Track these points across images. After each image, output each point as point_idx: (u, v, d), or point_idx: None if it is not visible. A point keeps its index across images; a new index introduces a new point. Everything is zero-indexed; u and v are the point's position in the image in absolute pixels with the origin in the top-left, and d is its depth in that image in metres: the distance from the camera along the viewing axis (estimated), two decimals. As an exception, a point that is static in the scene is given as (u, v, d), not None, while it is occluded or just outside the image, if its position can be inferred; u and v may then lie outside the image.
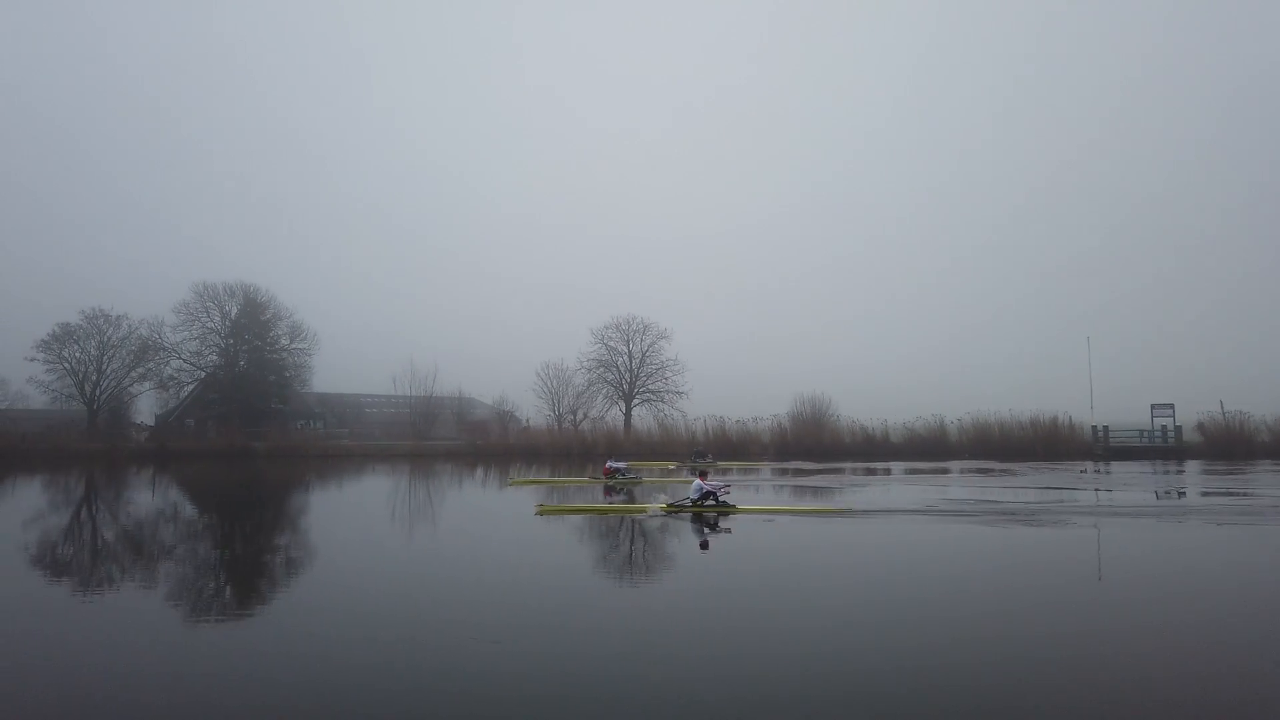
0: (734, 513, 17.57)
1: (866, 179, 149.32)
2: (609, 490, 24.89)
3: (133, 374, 60.03)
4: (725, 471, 35.27)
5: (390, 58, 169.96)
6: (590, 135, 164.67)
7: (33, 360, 58.60)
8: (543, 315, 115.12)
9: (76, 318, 58.24)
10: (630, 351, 61.31)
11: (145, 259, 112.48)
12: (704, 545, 14.34)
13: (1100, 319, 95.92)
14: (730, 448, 49.34)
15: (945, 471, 33.68)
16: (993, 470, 33.72)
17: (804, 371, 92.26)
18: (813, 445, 48.85)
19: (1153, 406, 48.31)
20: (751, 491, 25.05)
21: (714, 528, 16.04)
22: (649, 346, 61.13)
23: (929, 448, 47.28)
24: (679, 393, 59.99)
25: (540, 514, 18.53)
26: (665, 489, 24.81)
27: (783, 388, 79.80)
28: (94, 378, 58.98)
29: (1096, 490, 24.91)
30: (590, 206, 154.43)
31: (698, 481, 18.49)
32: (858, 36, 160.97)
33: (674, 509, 17.85)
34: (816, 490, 25.78)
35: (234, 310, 59.15)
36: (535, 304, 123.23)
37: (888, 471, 34.50)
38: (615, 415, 60.88)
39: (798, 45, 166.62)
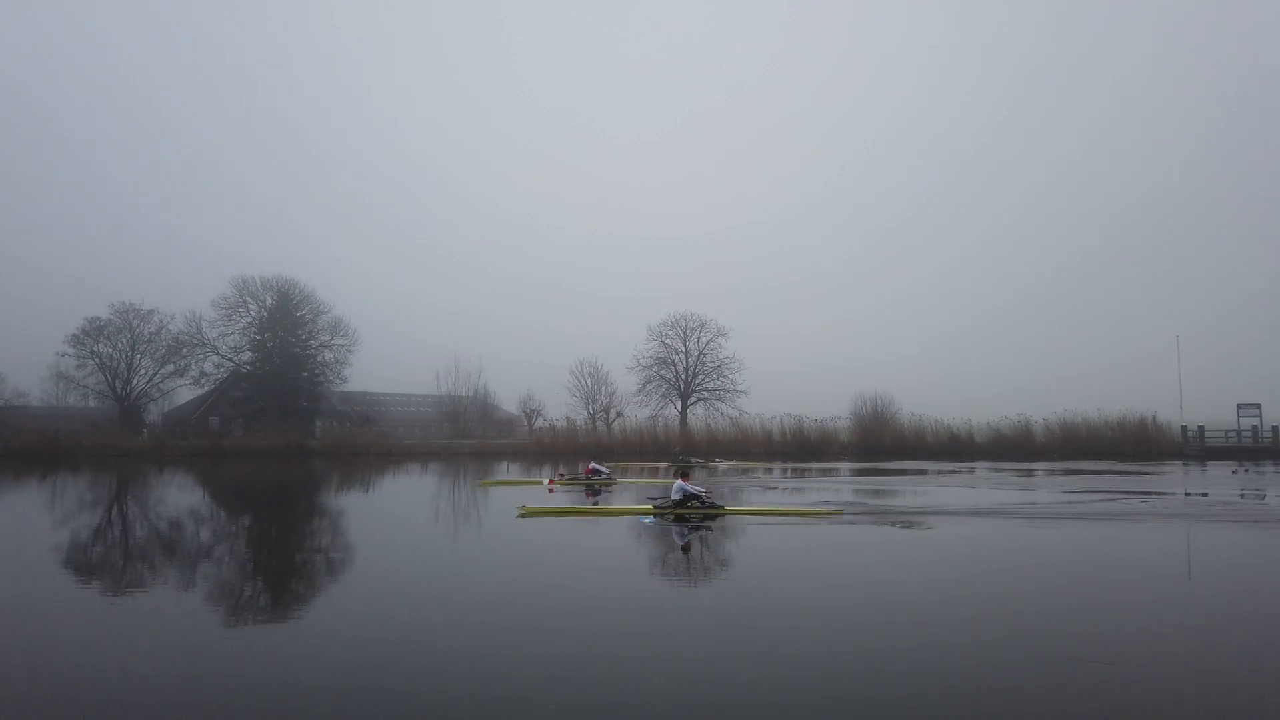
0: (721, 514, 16.61)
1: (873, 178, 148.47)
2: (589, 491, 24.01)
3: (164, 369, 57.18)
4: (804, 474, 33.46)
5: (395, 59, 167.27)
6: (590, 137, 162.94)
7: (64, 355, 55.72)
8: (557, 317, 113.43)
9: (105, 313, 55.39)
10: (687, 349, 59.43)
11: (145, 259, 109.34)
12: (686, 548, 13.54)
13: (1097, 322, 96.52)
14: (809, 447, 47.62)
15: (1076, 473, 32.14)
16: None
17: (811, 369, 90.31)
18: (892, 445, 47.16)
19: (1239, 406, 47.11)
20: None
21: (697, 529, 15.29)
22: (706, 344, 59.33)
23: (1014, 448, 45.85)
24: (738, 391, 58.26)
25: (522, 515, 17.25)
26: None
27: (797, 385, 78.30)
28: (125, 374, 56.04)
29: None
30: (590, 207, 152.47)
31: (679, 482, 17.33)
32: (864, 37, 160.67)
33: (659, 511, 16.85)
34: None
35: (269, 303, 56.40)
36: (545, 305, 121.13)
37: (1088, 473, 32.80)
38: (670, 413, 58.90)
39: (804, 48, 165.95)
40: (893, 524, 16.11)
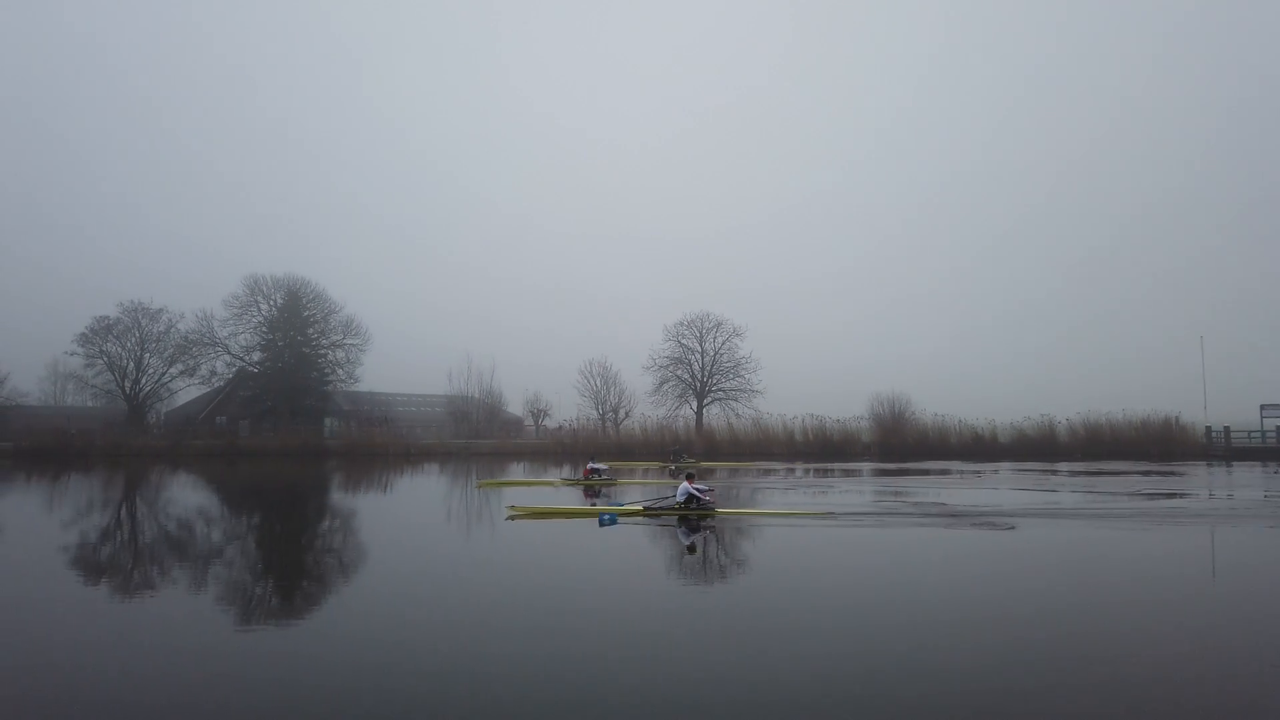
0: (713, 515, 16.70)
1: (876, 178, 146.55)
2: (589, 492, 23.90)
3: (173, 369, 57.14)
4: (826, 474, 32.85)
5: (395, 61, 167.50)
6: (593, 140, 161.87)
7: (72, 354, 55.95)
8: (559, 318, 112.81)
9: (114, 312, 55.47)
10: (704, 349, 58.96)
11: (146, 259, 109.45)
12: (691, 549, 13.45)
13: (1100, 323, 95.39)
14: (832, 448, 47.07)
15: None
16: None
17: (814, 369, 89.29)
18: (915, 445, 46.45)
19: (1262, 407, 46.00)
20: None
21: (697, 530, 15.29)
22: (722, 344, 58.85)
23: (1038, 448, 45.03)
24: (754, 391, 57.70)
25: (511, 517, 17.11)
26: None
27: (803, 386, 77.71)
28: (133, 373, 56.06)
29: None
30: (592, 209, 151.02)
31: (684, 484, 17.36)
32: (867, 40, 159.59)
33: (651, 512, 16.90)
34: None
35: (278, 301, 56.20)
36: (547, 306, 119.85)
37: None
38: (686, 413, 58.35)
39: (807, 51, 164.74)
40: (903, 525, 15.76)
